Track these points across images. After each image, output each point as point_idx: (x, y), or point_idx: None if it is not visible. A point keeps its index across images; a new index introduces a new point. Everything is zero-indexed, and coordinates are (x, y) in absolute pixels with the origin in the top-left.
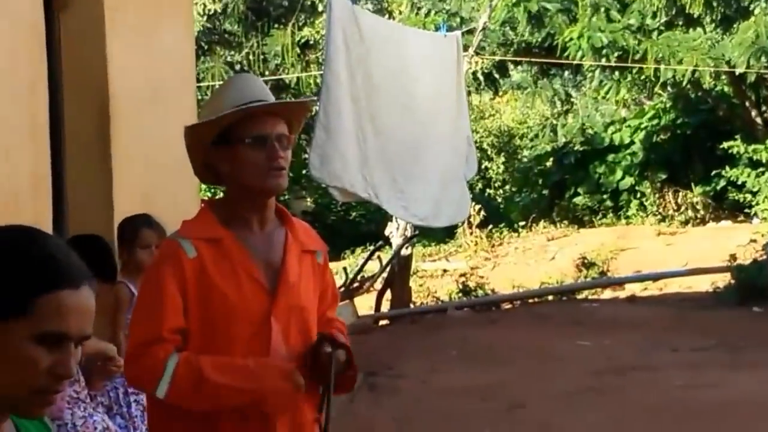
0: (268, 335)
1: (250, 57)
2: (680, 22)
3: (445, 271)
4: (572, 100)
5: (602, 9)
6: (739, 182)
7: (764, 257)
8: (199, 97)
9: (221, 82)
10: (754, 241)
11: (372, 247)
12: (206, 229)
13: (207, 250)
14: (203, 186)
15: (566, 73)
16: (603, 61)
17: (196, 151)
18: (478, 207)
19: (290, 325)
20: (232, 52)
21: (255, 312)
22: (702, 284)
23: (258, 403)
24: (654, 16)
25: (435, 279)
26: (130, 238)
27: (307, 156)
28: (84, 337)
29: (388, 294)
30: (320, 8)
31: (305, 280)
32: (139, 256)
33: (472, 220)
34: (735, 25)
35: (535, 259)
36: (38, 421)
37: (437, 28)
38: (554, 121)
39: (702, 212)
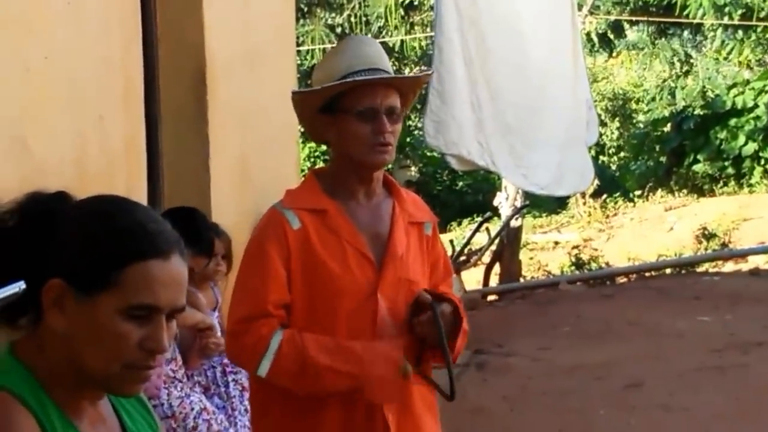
0: (375, 310)
1: (352, 19)
2: None
3: (556, 243)
4: (692, 61)
5: None
6: None
7: None
8: (299, 62)
9: (321, 46)
10: None
11: (480, 219)
12: (311, 199)
13: (311, 221)
14: (302, 154)
15: (686, 32)
16: (725, 20)
17: (303, 117)
18: None
19: (398, 299)
20: (333, 14)
21: (361, 286)
22: None
23: (360, 390)
24: None
25: (546, 252)
26: None
27: (411, 123)
28: (176, 309)
29: (496, 268)
30: None
31: (413, 252)
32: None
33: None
34: None
35: (651, 230)
36: (134, 398)
37: None
38: (672, 84)
39: None
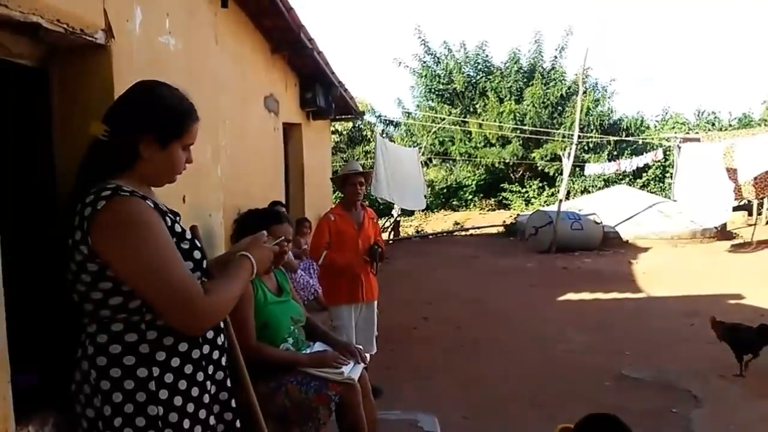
0: (357, 244)
1: (348, 156)
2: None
3: (410, 225)
4: None
5: None
6: (510, 198)
7: (514, 221)
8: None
9: (340, 164)
10: (512, 216)
11: (387, 218)
12: (338, 211)
13: (338, 217)
14: (332, 197)
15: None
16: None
17: (334, 183)
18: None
19: (365, 241)
20: (343, 154)
21: (353, 237)
22: (493, 230)
23: (350, 266)
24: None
25: (407, 228)
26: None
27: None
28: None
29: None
30: (371, 140)
31: (370, 228)
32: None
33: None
34: None
35: (442, 222)
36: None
37: (411, 146)
38: None
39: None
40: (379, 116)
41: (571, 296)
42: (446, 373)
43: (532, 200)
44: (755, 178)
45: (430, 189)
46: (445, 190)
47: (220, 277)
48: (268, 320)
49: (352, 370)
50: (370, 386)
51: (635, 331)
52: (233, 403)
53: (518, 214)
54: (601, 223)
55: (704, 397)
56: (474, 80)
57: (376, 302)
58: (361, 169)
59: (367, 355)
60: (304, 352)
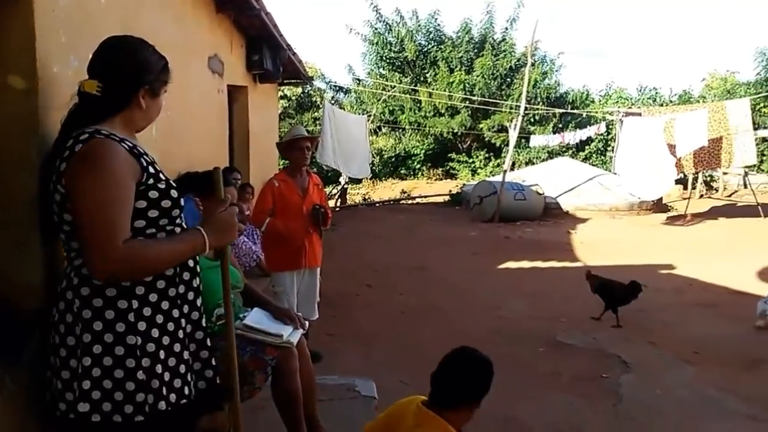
0: (301, 210)
1: (297, 122)
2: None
3: (358, 193)
4: None
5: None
6: (457, 168)
7: (460, 191)
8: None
9: (285, 129)
10: (458, 186)
11: (334, 185)
12: (282, 177)
13: (283, 183)
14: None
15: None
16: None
17: (279, 148)
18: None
19: (309, 208)
20: (291, 120)
21: (298, 203)
22: (439, 200)
23: (292, 234)
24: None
25: (354, 195)
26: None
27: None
28: None
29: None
30: (320, 106)
31: (315, 194)
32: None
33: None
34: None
35: (389, 191)
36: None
37: (361, 114)
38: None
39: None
40: (329, 82)
41: (511, 264)
42: (387, 340)
43: (479, 170)
44: (694, 153)
45: (378, 157)
46: (393, 159)
47: (165, 238)
48: (202, 285)
49: (290, 336)
50: (308, 352)
51: (571, 299)
52: (213, 362)
53: (464, 184)
54: (543, 194)
55: (633, 363)
56: (425, 49)
57: (318, 269)
58: (306, 134)
59: (306, 322)
60: (240, 317)
